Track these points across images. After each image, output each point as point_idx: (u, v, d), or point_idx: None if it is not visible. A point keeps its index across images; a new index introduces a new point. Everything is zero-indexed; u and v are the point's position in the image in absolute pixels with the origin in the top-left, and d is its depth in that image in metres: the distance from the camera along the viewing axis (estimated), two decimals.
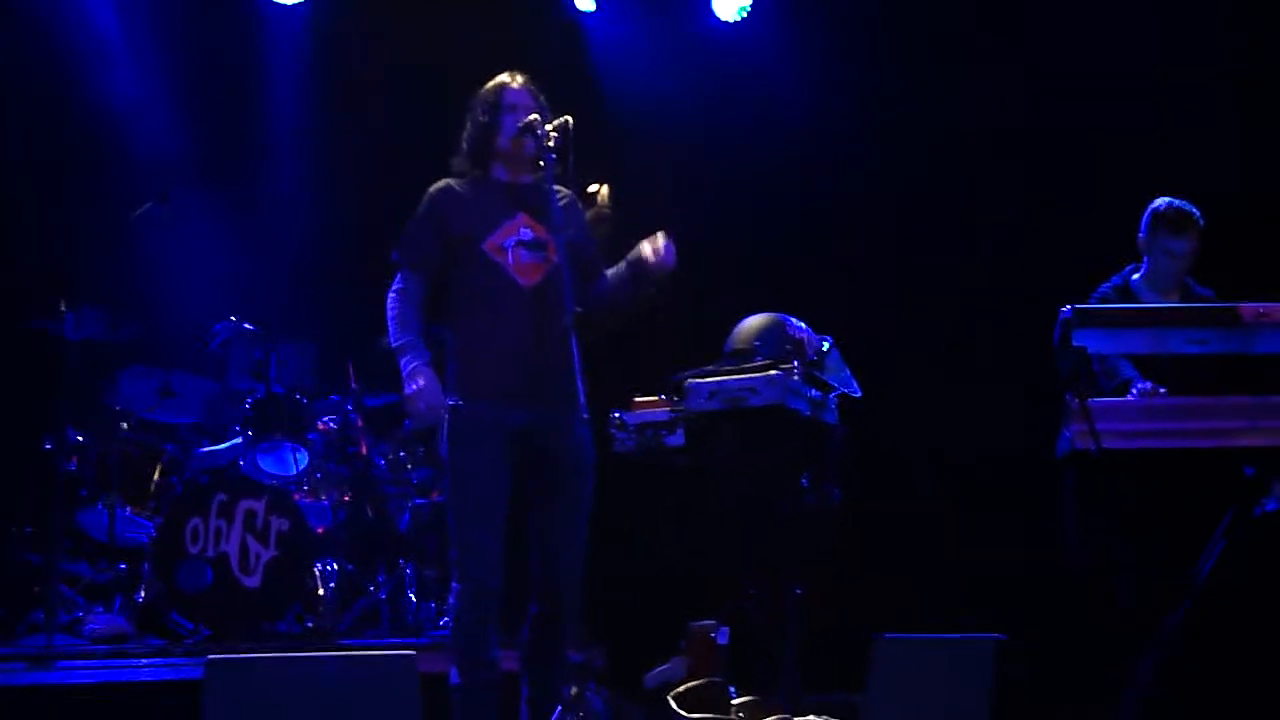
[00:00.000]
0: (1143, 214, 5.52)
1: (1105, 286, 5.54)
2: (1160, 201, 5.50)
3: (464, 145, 4.75)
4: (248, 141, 8.10)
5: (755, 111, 7.85)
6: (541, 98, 4.73)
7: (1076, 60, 7.31)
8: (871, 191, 7.62)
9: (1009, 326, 6.87)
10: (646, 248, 4.65)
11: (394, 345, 4.57)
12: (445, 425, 4.53)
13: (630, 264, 4.73)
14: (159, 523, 6.44)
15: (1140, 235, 5.52)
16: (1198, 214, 5.44)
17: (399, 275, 4.65)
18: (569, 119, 4.53)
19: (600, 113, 7.49)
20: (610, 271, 4.82)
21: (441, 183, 4.71)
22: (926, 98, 7.62)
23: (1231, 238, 5.65)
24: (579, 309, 4.46)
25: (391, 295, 4.62)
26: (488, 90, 4.74)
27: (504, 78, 4.75)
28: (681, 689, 4.92)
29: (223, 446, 6.91)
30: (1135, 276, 5.55)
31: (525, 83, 4.74)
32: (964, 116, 7.52)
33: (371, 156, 7.91)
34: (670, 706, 4.61)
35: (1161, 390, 4.98)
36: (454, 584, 4.51)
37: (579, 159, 4.55)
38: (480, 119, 4.70)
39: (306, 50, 8.14)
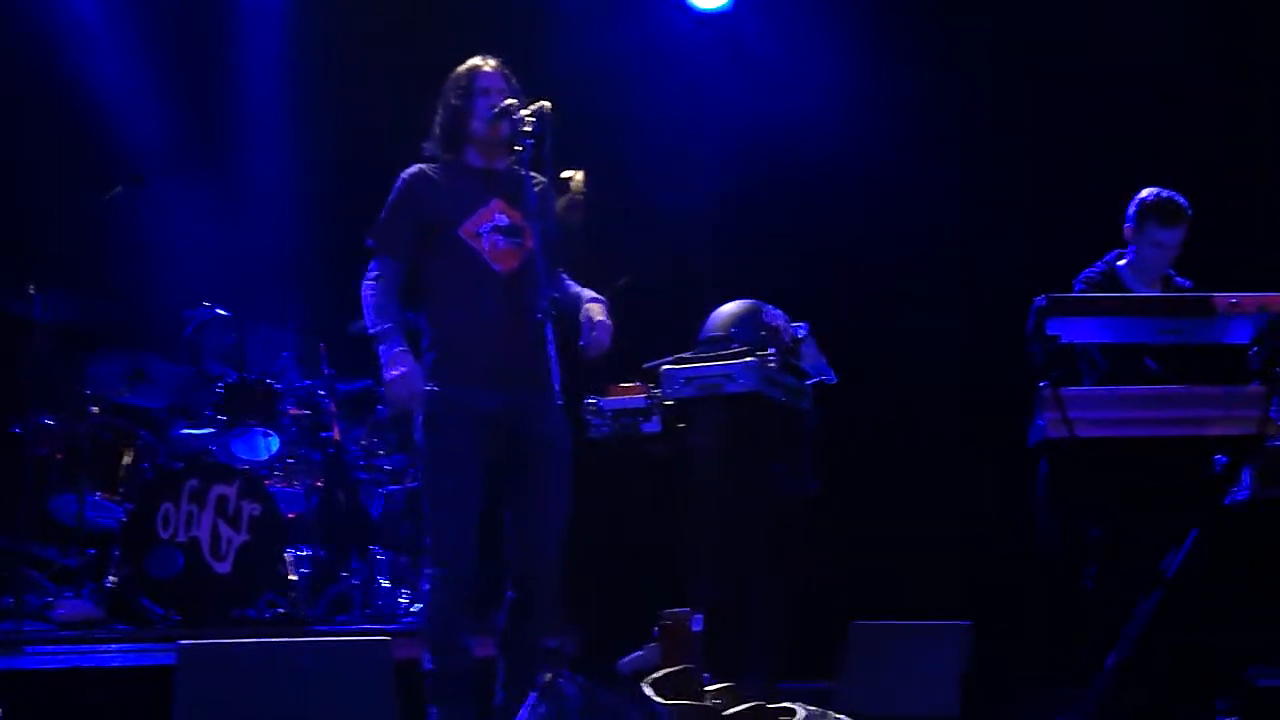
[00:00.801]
0: (1128, 204, 5.47)
1: (1090, 271, 5.50)
2: (1148, 192, 5.44)
3: (436, 129, 4.69)
4: (224, 126, 8.06)
5: (731, 99, 7.84)
6: (514, 81, 4.67)
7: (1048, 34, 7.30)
8: (845, 177, 7.61)
9: (982, 313, 6.91)
10: (587, 325, 4.54)
11: (372, 331, 4.52)
12: (420, 411, 4.51)
13: (571, 305, 4.64)
14: (130, 508, 6.39)
15: (1126, 225, 5.47)
16: (1187, 204, 5.40)
17: (374, 262, 4.61)
18: (546, 104, 4.47)
19: (572, 100, 7.47)
20: (568, 286, 4.75)
21: (414, 167, 4.66)
22: (902, 84, 7.62)
23: (1211, 228, 5.63)
24: (555, 295, 4.43)
25: (367, 282, 4.58)
26: (460, 73, 4.67)
27: (476, 61, 4.69)
28: (656, 675, 4.91)
29: (201, 432, 6.86)
30: (1121, 263, 5.51)
31: (498, 66, 4.68)
32: (941, 102, 7.52)
33: (345, 142, 7.87)
34: (645, 693, 4.60)
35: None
36: (427, 570, 4.50)
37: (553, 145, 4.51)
38: (453, 102, 4.64)
39: (283, 36, 8.09)
